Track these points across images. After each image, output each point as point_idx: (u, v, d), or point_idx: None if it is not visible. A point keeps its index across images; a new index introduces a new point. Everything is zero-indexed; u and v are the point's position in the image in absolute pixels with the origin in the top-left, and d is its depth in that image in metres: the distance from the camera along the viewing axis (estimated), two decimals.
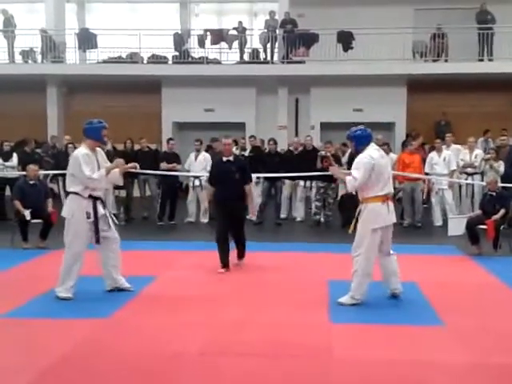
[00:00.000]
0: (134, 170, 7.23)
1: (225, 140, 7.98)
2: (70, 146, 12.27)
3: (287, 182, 12.33)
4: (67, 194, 6.44)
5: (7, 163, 12.11)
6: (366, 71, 16.07)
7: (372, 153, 6.00)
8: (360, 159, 5.98)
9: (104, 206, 6.47)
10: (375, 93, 16.59)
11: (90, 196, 6.19)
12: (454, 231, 8.89)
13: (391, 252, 6.28)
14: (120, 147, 13.14)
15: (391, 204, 6.13)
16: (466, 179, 11.51)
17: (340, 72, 16.12)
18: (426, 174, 11.56)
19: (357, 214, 6.15)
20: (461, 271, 7.71)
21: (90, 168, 6.12)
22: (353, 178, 5.96)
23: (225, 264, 7.55)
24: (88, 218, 6.15)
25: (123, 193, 12.60)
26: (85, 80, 17.09)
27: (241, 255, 8.02)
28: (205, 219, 12.13)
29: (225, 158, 7.88)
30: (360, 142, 6.12)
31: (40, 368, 4.32)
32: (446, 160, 11.48)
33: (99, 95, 17.40)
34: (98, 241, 6.28)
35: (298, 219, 12.33)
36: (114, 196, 12.53)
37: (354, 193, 11.42)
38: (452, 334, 5.22)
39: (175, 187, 12.04)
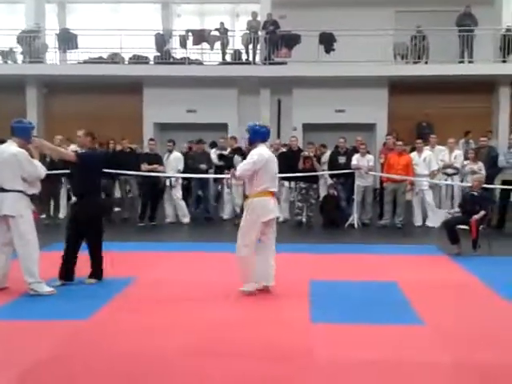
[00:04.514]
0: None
1: (78, 132, 7.26)
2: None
3: None
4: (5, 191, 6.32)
5: None
6: (348, 73, 16.12)
7: (263, 151, 6.39)
8: (252, 154, 6.32)
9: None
10: (357, 94, 16.69)
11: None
12: (433, 222, 8.91)
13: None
14: (100, 148, 13.04)
15: (275, 200, 6.56)
16: (446, 180, 11.59)
17: (322, 73, 16.17)
18: None
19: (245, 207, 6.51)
20: (441, 271, 7.73)
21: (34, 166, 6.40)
22: (241, 166, 6.41)
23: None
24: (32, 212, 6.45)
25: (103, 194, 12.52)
26: (65, 80, 16.97)
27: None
28: (186, 219, 12.09)
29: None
30: (255, 136, 6.44)
31: (16, 372, 4.24)
32: (426, 160, 11.54)
33: (80, 96, 17.25)
34: None
35: (281, 219, 12.31)
36: None
37: (335, 193, 11.64)
38: (432, 333, 5.23)
39: (156, 188, 11.95)
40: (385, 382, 4.19)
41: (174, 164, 12.01)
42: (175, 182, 12.06)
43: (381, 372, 4.33)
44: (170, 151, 12.18)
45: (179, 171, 11.99)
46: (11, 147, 6.33)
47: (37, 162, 6.41)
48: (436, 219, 8.72)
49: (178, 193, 12.11)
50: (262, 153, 6.35)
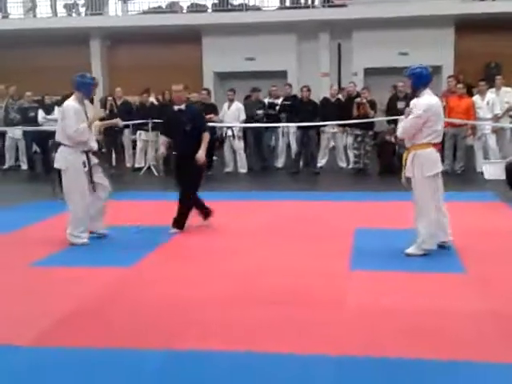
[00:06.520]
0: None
1: (174, 87, 7.04)
2: None
3: (325, 130, 12.18)
4: (58, 145, 6.57)
5: (49, 116, 12.37)
6: (411, 12, 15.43)
7: (430, 99, 5.81)
8: (422, 103, 5.71)
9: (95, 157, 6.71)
10: (421, 35, 15.97)
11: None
12: (491, 175, 8.53)
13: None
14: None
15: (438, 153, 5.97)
16: (511, 123, 11.06)
17: (383, 14, 15.55)
18: None
19: (407, 161, 5.92)
20: (495, 218, 7.48)
21: (79, 121, 6.35)
22: (407, 123, 5.71)
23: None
24: (84, 166, 6.43)
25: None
26: (126, 32, 17.12)
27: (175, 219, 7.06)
28: (243, 169, 12.15)
29: (176, 107, 7.05)
30: (418, 81, 5.84)
31: (56, 316, 4.46)
32: (489, 104, 11.04)
33: (141, 47, 17.41)
34: (94, 189, 6.58)
35: (343, 165, 12.29)
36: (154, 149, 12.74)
37: (392, 139, 11.35)
38: (472, 281, 5.12)
39: (212, 138, 12.01)
40: (415, 330, 4.14)
41: (236, 114, 11.99)
42: (238, 132, 12.05)
43: (412, 320, 4.28)
44: (231, 100, 12.15)
45: (242, 121, 11.96)
46: (67, 101, 6.50)
47: (79, 125, 6.30)
48: (495, 171, 8.33)
49: (240, 143, 12.13)
50: (430, 102, 5.73)
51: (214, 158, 12.58)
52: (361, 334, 4.11)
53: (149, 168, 12.34)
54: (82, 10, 17.98)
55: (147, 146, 12.67)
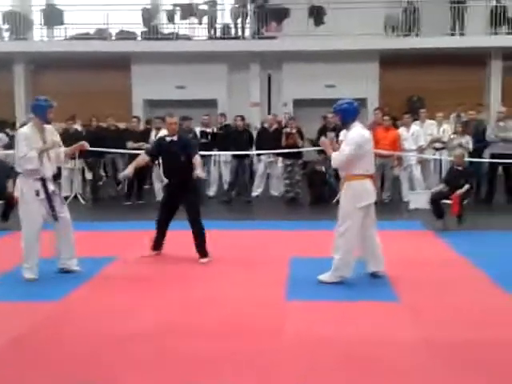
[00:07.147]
0: (86, 148, 6.95)
1: (169, 119, 7.19)
2: None
3: (263, 158, 12.27)
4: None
5: None
6: (338, 46, 15.94)
7: (361, 131, 5.98)
8: (353, 136, 5.87)
9: (54, 184, 6.35)
10: (347, 68, 16.52)
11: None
12: (415, 204, 8.91)
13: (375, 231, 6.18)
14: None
15: (372, 183, 6.13)
16: (434, 154, 11.50)
17: (312, 47, 15.99)
18: None
19: (341, 190, 6.15)
20: (422, 246, 7.70)
21: (29, 148, 6.01)
22: (340, 153, 5.85)
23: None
24: (37, 195, 6.07)
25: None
26: (52, 57, 16.76)
27: (199, 249, 7.10)
28: None
29: (168, 138, 7.18)
30: (346, 116, 6.01)
31: None
32: (414, 135, 11.45)
33: (67, 73, 17.08)
34: (55, 218, 6.21)
35: (276, 194, 12.36)
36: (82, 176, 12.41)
37: (322, 169, 11.53)
38: (405, 310, 5.21)
39: (142, 167, 11.81)
40: (351, 359, 4.15)
41: None
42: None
43: (349, 350, 4.30)
44: (158, 129, 12.01)
45: None
46: (21, 128, 6.27)
47: (29, 152, 5.95)
48: (419, 201, 8.82)
49: (160, 170, 11.96)
50: (363, 135, 5.89)
51: None
52: (299, 365, 4.09)
53: (75, 197, 11.97)
54: (6, 34, 17.46)
55: (73, 174, 12.31)
